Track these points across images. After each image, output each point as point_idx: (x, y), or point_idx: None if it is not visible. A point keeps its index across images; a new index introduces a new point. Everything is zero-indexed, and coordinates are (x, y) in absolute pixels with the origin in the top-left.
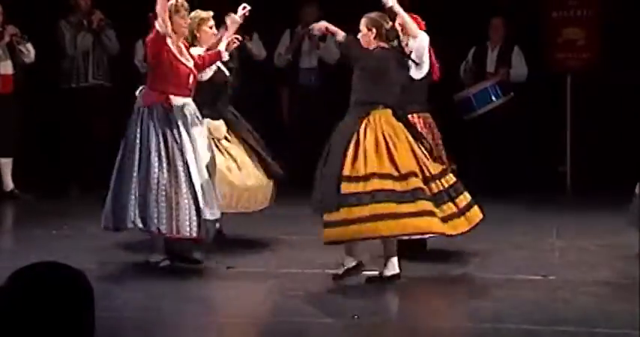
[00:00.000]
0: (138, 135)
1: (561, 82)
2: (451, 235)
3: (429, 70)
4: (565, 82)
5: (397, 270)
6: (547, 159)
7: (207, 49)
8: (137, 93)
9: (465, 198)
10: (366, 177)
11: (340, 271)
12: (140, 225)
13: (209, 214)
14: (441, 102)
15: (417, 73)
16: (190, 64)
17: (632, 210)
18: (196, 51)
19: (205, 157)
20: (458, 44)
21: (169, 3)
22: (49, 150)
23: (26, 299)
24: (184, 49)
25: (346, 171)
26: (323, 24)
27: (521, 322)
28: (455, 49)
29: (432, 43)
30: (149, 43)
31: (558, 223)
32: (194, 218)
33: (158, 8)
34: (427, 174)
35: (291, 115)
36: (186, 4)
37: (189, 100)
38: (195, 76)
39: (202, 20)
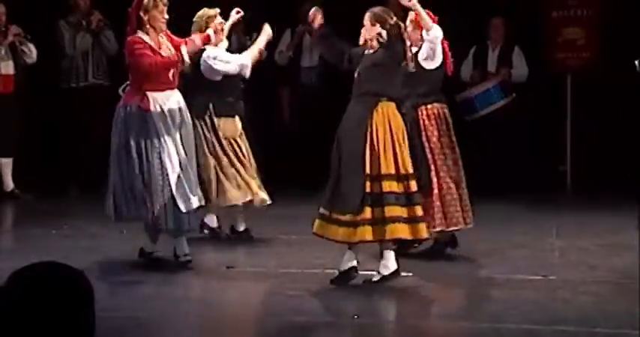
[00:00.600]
0: (117, 135)
1: (561, 82)
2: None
3: (443, 62)
4: (565, 82)
5: (395, 266)
6: (547, 158)
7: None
8: (120, 90)
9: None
10: (380, 178)
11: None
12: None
13: (183, 207)
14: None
15: (429, 64)
16: (169, 53)
17: None
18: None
19: (186, 154)
20: (458, 44)
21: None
22: (48, 150)
23: (26, 300)
24: (165, 42)
25: (367, 170)
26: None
27: (521, 322)
28: (455, 48)
29: None
30: (127, 40)
31: (558, 223)
32: (170, 211)
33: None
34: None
35: (292, 114)
36: (165, 0)
37: (171, 93)
38: (177, 68)
39: (210, 18)
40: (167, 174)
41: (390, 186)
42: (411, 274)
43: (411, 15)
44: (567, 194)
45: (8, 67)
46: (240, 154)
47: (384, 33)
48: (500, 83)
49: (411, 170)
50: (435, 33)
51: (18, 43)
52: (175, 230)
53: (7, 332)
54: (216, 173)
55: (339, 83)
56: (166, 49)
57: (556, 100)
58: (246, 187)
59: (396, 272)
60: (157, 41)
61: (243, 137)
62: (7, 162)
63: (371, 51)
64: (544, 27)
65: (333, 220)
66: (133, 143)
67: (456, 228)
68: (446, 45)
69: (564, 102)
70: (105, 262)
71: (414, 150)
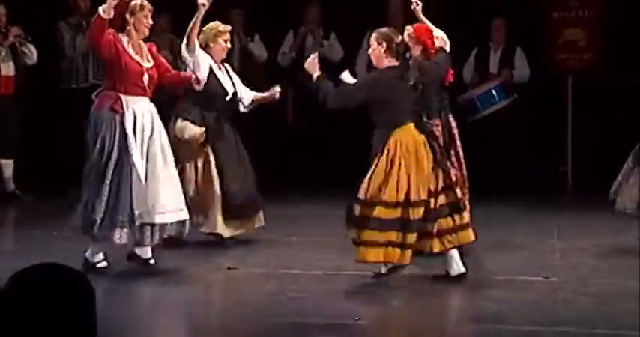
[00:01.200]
0: (91, 140)
1: (562, 83)
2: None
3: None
4: (566, 83)
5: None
6: (548, 159)
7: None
8: (93, 95)
9: (461, 217)
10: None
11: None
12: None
13: (145, 218)
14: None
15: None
16: (148, 64)
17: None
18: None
19: (155, 161)
20: (460, 45)
21: (133, 2)
22: (49, 151)
23: (27, 301)
24: (145, 49)
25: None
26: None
27: (521, 323)
28: (457, 50)
29: None
30: (103, 39)
31: (559, 224)
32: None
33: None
34: (432, 190)
35: (295, 116)
36: (150, 6)
37: (143, 100)
38: (152, 77)
39: (219, 32)
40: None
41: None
42: (411, 275)
43: (409, 30)
44: (568, 195)
45: (9, 68)
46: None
47: (389, 53)
48: (501, 84)
49: (423, 195)
50: (442, 34)
51: (18, 44)
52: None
53: (8, 333)
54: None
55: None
56: (144, 56)
57: (557, 101)
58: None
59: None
60: (137, 45)
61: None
62: (8, 163)
63: (373, 86)
64: (545, 28)
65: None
66: (106, 146)
67: None
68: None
69: (565, 103)
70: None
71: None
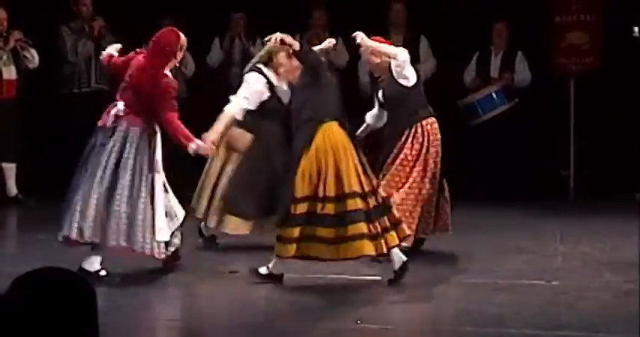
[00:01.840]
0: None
1: (564, 87)
2: (381, 254)
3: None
4: (568, 86)
5: (404, 258)
6: (550, 163)
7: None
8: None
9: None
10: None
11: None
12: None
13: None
14: (445, 107)
15: (406, 82)
16: None
17: None
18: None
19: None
20: (461, 49)
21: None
22: (51, 155)
23: (29, 305)
24: None
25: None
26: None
27: (524, 327)
28: (458, 54)
29: (435, 48)
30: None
31: (561, 228)
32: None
33: None
34: (366, 190)
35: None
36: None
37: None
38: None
39: (276, 53)
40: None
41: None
42: (413, 279)
43: (368, 51)
44: (570, 199)
45: (10, 72)
46: None
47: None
48: (502, 88)
49: (355, 187)
50: (400, 59)
51: (20, 49)
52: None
53: None
54: None
55: (347, 87)
56: None
57: (559, 105)
58: None
59: (405, 264)
60: None
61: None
62: (11, 167)
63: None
64: (547, 32)
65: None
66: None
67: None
68: None
69: (567, 106)
70: (108, 267)
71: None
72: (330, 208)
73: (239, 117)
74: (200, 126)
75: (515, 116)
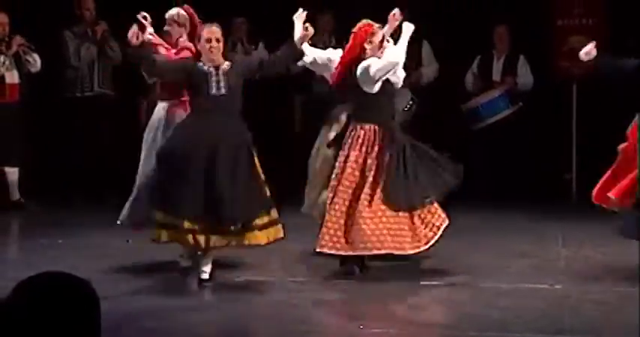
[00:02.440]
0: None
1: (567, 90)
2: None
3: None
4: (570, 90)
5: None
6: (553, 166)
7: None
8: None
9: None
10: None
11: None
12: None
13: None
14: (447, 111)
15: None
16: None
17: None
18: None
19: None
20: (463, 53)
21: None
22: (53, 160)
23: (32, 310)
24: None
25: None
26: None
27: (526, 331)
28: (460, 57)
29: (437, 52)
30: None
31: (564, 231)
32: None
33: None
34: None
35: (303, 124)
36: (174, 15)
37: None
38: None
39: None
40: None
41: None
42: (415, 282)
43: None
44: (573, 202)
45: (13, 77)
46: None
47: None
48: (506, 92)
49: None
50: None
51: (22, 53)
52: None
53: None
54: None
55: None
56: None
57: (561, 108)
58: None
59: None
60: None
61: None
62: (13, 172)
63: None
64: (549, 35)
65: None
66: None
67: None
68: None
69: (570, 110)
70: (111, 272)
71: None
72: None
73: None
74: None
75: (518, 119)
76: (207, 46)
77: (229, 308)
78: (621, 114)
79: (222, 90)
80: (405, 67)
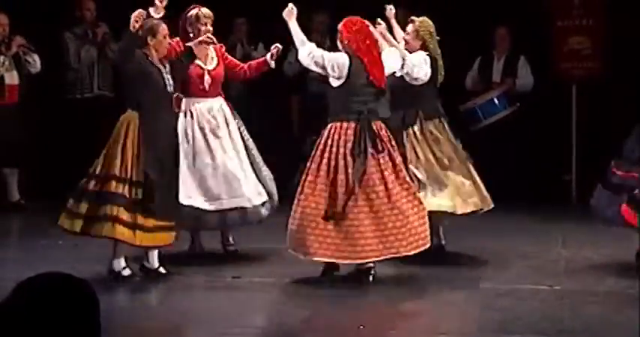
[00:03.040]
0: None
1: (566, 91)
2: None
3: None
4: (570, 91)
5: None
6: (552, 167)
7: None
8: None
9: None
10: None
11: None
12: None
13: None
14: (447, 112)
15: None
16: (210, 66)
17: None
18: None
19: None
20: (463, 54)
21: (190, 13)
22: (53, 161)
23: (32, 310)
24: (210, 52)
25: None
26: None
27: (526, 332)
28: (460, 58)
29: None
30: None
31: (564, 233)
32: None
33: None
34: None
35: (301, 125)
36: (208, 13)
37: (206, 100)
38: (214, 78)
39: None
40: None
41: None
42: (415, 284)
43: (340, 26)
44: (573, 203)
45: (12, 78)
46: None
47: None
48: (503, 93)
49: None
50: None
51: (22, 54)
52: None
53: None
54: None
55: None
56: (207, 59)
57: (561, 110)
58: None
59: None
60: (204, 53)
61: None
62: (12, 172)
63: None
64: (549, 36)
65: None
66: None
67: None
68: None
69: (569, 111)
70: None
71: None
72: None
73: None
74: None
75: (517, 120)
76: (166, 41)
77: (229, 308)
78: (621, 115)
79: (170, 88)
80: None
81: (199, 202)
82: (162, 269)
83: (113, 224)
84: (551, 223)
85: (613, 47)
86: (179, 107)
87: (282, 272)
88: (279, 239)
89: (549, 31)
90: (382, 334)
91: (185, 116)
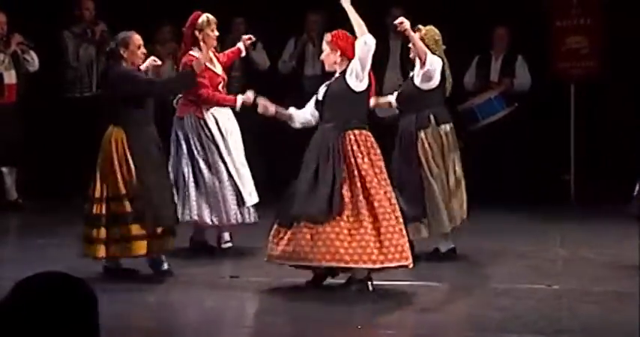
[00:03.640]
0: (173, 142)
1: (565, 91)
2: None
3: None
4: (568, 91)
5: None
6: (550, 167)
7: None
8: (174, 102)
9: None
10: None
11: None
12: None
13: (249, 201)
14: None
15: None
16: (219, 70)
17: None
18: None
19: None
20: (461, 53)
21: (200, 19)
22: (51, 160)
23: (30, 309)
24: (214, 58)
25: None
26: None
27: (524, 331)
28: (458, 58)
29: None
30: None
31: (562, 232)
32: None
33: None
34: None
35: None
36: (214, 19)
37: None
38: (224, 80)
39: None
40: (231, 174)
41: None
42: (413, 284)
43: (327, 36)
44: (571, 203)
45: (11, 77)
46: None
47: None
48: (501, 93)
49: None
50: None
51: (20, 52)
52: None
53: None
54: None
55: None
56: (217, 65)
57: (559, 109)
58: None
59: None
60: (209, 58)
61: None
62: (11, 172)
63: None
64: (547, 36)
65: None
66: (185, 147)
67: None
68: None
69: (568, 111)
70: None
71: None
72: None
73: None
74: None
75: (516, 120)
76: (140, 52)
77: (228, 307)
78: (619, 114)
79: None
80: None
81: (252, 199)
82: (167, 267)
83: (129, 242)
84: (550, 223)
85: (611, 46)
86: (201, 113)
87: (280, 273)
88: None
89: (547, 31)
90: (380, 334)
91: (207, 120)
